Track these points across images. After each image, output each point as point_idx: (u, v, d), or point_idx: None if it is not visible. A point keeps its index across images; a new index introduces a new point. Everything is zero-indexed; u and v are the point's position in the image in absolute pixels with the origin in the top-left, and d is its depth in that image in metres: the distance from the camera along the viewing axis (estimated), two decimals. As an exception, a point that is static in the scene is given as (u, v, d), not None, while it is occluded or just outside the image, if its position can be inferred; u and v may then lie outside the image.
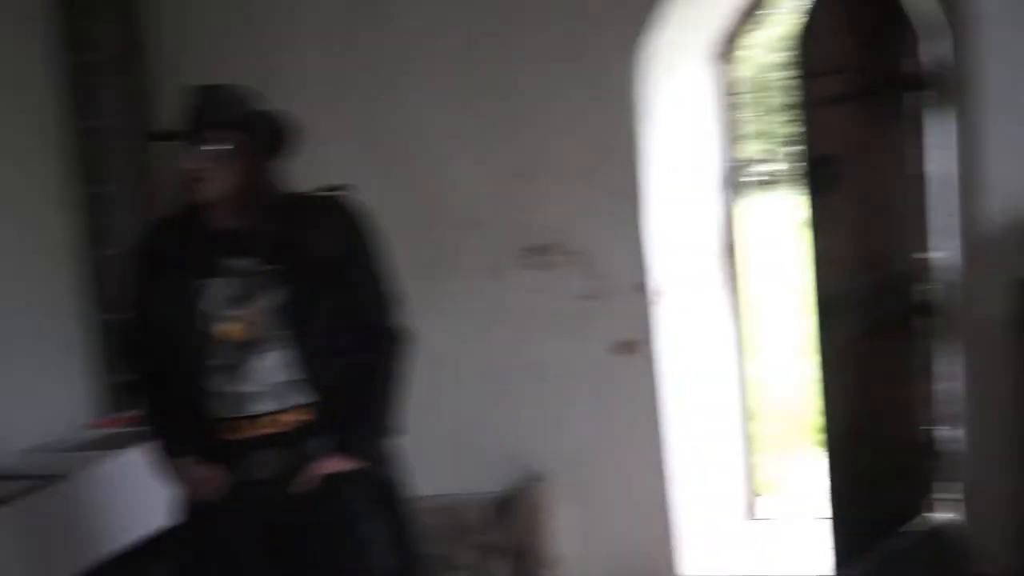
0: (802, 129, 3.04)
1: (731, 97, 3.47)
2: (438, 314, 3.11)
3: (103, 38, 3.51)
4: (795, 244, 3.53)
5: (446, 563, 3.09)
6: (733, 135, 3.49)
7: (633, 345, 3.09)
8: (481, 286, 3.23)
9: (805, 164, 3.04)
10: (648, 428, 3.12)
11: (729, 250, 3.52)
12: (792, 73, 3.04)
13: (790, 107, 3.10)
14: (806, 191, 3.02)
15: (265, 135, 2.02)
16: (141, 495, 2.79)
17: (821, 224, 3.00)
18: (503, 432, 3.25)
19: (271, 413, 2.02)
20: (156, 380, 2.12)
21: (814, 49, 3.04)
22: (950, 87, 2.87)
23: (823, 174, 3.00)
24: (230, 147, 1.96)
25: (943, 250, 3.04)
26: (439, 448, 3.02)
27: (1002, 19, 2.60)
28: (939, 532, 3.18)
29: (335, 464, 2.04)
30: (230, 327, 2.01)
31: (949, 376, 3.08)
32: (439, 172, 3.25)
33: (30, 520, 2.60)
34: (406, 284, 3.01)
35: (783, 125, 3.51)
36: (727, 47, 3.45)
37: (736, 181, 3.49)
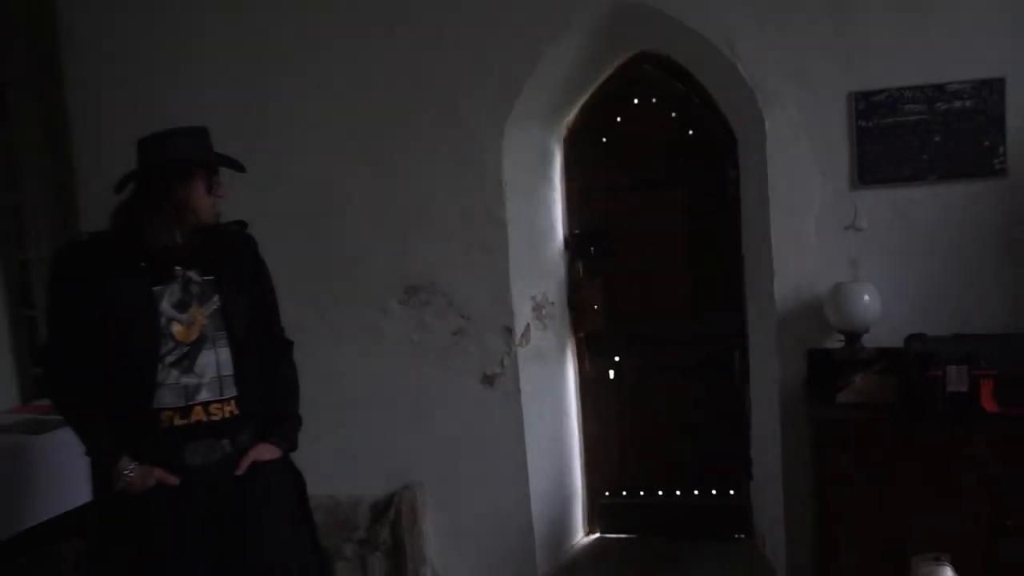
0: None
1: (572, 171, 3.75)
2: (332, 341, 3.47)
3: (16, 60, 3.69)
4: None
5: (332, 555, 3.38)
6: (574, 204, 3.77)
7: (497, 377, 3.37)
8: (368, 319, 3.47)
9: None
10: (510, 447, 3.36)
11: (570, 300, 3.78)
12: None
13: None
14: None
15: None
16: (57, 476, 2.97)
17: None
18: (384, 444, 3.50)
19: (209, 403, 2.25)
20: (85, 388, 2.26)
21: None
22: (751, 188, 3.30)
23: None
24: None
25: (752, 319, 3.48)
26: (329, 455, 3.28)
27: (784, 139, 2.97)
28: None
29: (264, 451, 2.32)
30: (182, 327, 2.24)
31: (759, 425, 3.50)
32: (334, 221, 3.48)
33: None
34: (304, 314, 3.33)
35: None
36: (570, 133, 3.74)
37: (575, 242, 3.77)
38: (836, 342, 2.95)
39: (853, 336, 2.88)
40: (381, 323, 3.49)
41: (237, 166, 2.37)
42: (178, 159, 2.27)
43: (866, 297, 2.84)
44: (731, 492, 3.76)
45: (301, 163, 3.50)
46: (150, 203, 2.27)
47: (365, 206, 3.46)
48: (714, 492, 3.78)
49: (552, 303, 3.68)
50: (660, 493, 3.85)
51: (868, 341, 2.87)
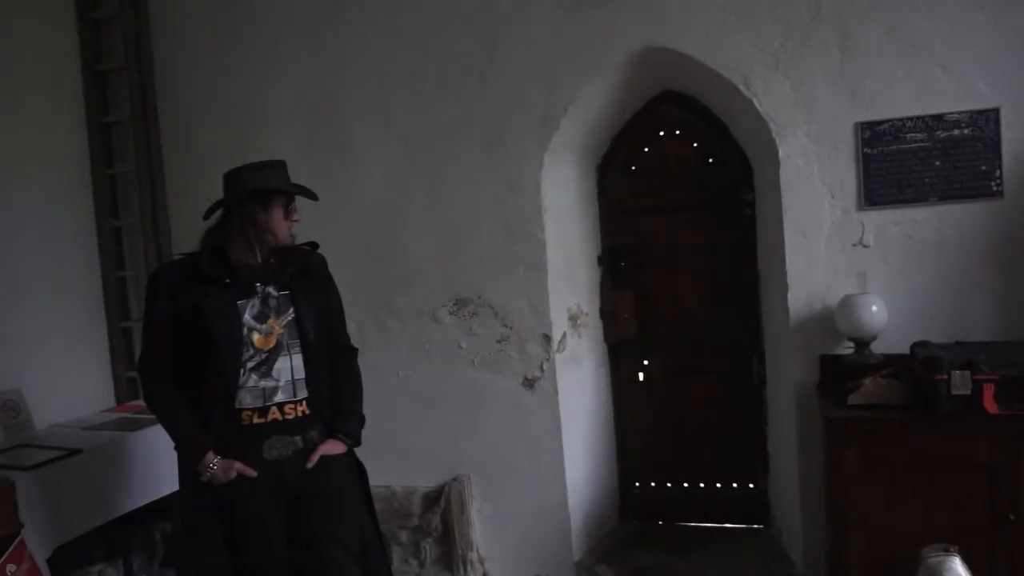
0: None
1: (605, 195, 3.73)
2: (389, 347, 3.49)
3: (121, 102, 3.82)
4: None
5: (389, 540, 3.39)
6: (606, 224, 3.75)
7: (536, 380, 3.34)
8: (421, 327, 3.48)
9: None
10: (548, 443, 3.34)
11: (603, 310, 3.75)
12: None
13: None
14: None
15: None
16: (147, 468, 3.04)
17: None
18: (435, 440, 3.49)
19: (284, 403, 2.29)
20: (175, 390, 2.29)
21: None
22: (766, 210, 3.28)
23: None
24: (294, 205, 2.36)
25: (768, 328, 3.44)
26: (385, 450, 3.25)
27: (796, 165, 2.94)
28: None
29: (332, 447, 2.35)
30: (261, 336, 2.28)
31: (775, 424, 3.44)
32: (392, 240, 3.50)
33: (54, 484, 2.75)
34: (365, 323, 3.35)
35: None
36: (603, 161, 3.73)
37: (607, 258, 3.74)
38: (846, 348, 2.90)
39: (862, 343, 2.82)
40: (433, 331, 3.49)
41: (310, 195, 2.39)
42: (259, 188, 2.29)
43: (874, 307, 2.78)
44: (750, 485, 3.69)
45: (364, 191, 3.53)
46: (234, 227, 2.30)
47: (419, 227, 3.47)
48: (734, 485, 3.72)
49: (586, 313, 3.66)
50: (685, 485, 3.80)
51: (875, 348, 2.82)
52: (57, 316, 3.55)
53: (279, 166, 2.36)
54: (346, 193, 3.51)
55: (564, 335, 3.44)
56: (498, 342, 3.41)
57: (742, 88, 3.00)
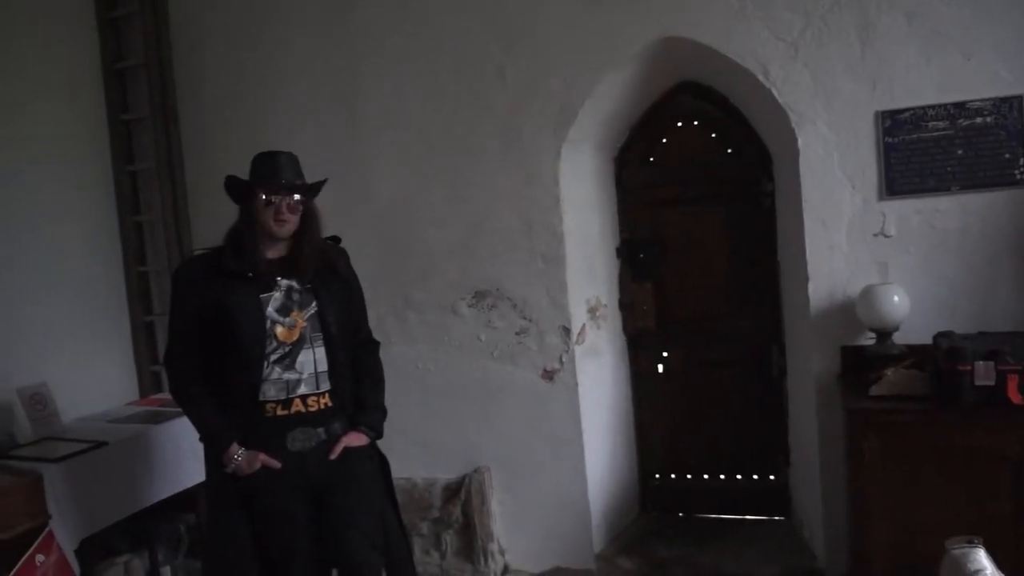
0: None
1: (623, 186, 3.73)
2: (408, 340, 3.50)
3: (140, 100, 3.84)
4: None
5: (410, 531, 3.33)
6: (625, 216, 3.75)
7: (556, 372, 3.34)
8: (440, 320, 3.49)
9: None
10: (568, 435, 3.34)
11: (622, 302, 3.77)
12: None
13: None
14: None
15: (314, 192, 2.38)
16: (172, 461, 3.07)
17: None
18: (455, 432, 3.51)
19: (307, 396, 2.31)
20: (200, 383, 2.32)
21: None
22: (785, 200, 3.27)
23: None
24: (300, 200, 2.32)
25: (788, 318, 3.43)
26: (405, 441, 3.29)
27: (816, 155, 2.93)
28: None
29: (354, 439, 2.37)
30: (284, 329, 2.30)
31: (796, 415, 3.42)
32: (411, 234, 3.51)
33: (81, 476, 2.77)
34: (385, 316, 3.37)
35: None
36: (621, 153, 3.73)
37: (626, 250, 3.75)
38: (867, 339, 2.89)
39: (884, 334, 2.80)
40: (452, 324, 3.50)
41: (291, 188, 2.32)
42: (236, 185, 2.33)
43: (896, 298, 2.76)
44: (770, 477, 3.68)
45: (382, 185, 3.55)
46: (244, 223, 2.34)
47: (438, 220, 3.48)
48: (755, 476, 3.72)
49: (605, 305, 3.66)
50: (705, 476, 3.80)
51: (897, 338, 2.80)
52: (81, 311, 3.60)
53: (274, 158, 2.34)
54: (365, 187, 3.54)
55: (583, 327, 3.44)
56: (517, 334, 3.42)
57: (761, 78, 2.98)
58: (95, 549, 2.95)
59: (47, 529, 2.54)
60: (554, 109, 3.26)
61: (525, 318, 3.40)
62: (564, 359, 3.36)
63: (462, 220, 3.44)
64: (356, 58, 3.53)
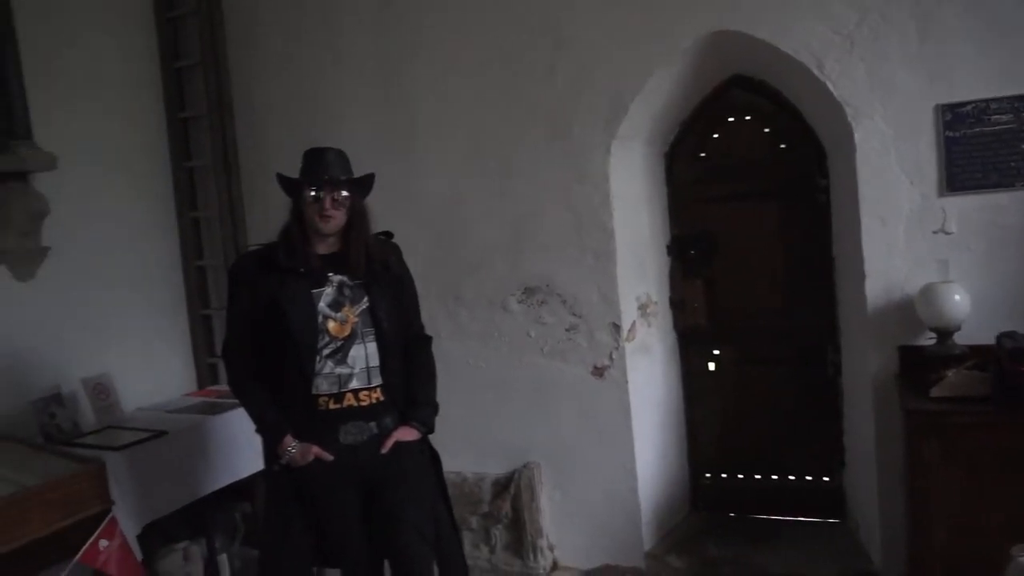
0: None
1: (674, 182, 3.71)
2: (458, 335, 3.53)
3: (197, 98, 3.94)
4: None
5: (460, 525, 3.34)
6: (675, 212, 3.72)
7: (606, 369, 3.34)
8: (490, 316, 3.51)
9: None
10: (618, 432, 3.32)
11: (672, 299, 3.74)
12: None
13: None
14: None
15: (363, 189, 2.40)
16: (228, 451, 3.15)
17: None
18: (504, 427, 3.52)
19: (359, 390, 2.34)
20: (256, 376, 2.37)
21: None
22: (841, 196, 3.22)
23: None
24: (347, 195, 2.34)
25: (844, 317, 3.37)
26: (455, 436, 3.21)
27: (873, 150, 2.87)
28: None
29: (405, 433, 2.39)
30: (336, 324, 2.34)
31: (852, 416, 3.37)
32: (461, 230, 3.54)
33: (142, 464, 2.88)
34: (435, 312, 3.40)
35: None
36: (672, 148, 3.69)
37: (676, 247, 3.72)
38: (927, 339, 2.82)
39: (944, 333, 2.74)
40: (502, 320, 3.52)
41: (318, 181, 2.34)
42: (287, 181, 2.38)
43: (956, 297, 2.70)
44: (825, 478, 3.62)
45: (432, 181, 3.58)
46: (295, 219, 2.38)
47: (488, 216, 3.50)
48: (809, 477, 3.66)
49: (655, 302, 3.64)
50: (757, 476, 3.76)
51: (959, 338, 2.74)
52: (141, 304, 3.71)
53: (320, 154, 2.37)
54: (416, 183, 3.57)
55: (633, 324, 3.43)
56: (567, 331, 3.42)
57: (816, 71, 2.93)
58: (156, 536, 3.04)
59: (110, 515, 2.60)
60: (604, 105, 3.25)
61: (575, 315, 3.40)
62: (614, 356, 3.35)
63: (512, 216, 3.45)
64: (408, 54, 3.57)
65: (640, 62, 3.18)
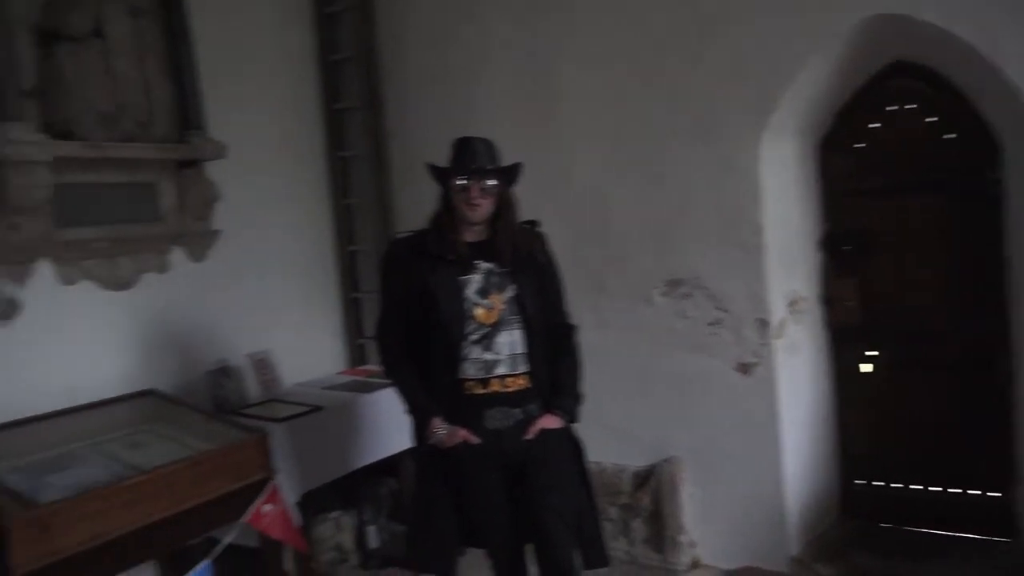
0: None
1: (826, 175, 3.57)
2: (600, 326, 3.50)
3: (351, 90, 4.10)
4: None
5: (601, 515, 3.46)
6: (828, 206, 3.59)
7: (752, 366, 3.26)
8: (633, 308, 3.49)
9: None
10: (764, 431, 3.23)
11: (824, 296, 3.61)
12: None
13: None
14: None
15: (510, 178, 2.43)
16: (377, 429, 3.29)
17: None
18: (645, 420, 3.50)
19: (505, 376, 2.38)
20: (408, 359, 2.44)
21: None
22: (1017, 190, 3.02)
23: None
24: (490, 183, 2.37)
25: (1018, 320, 3.15)
26: (595, 427, 3.20)
27: None
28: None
29: (549, 421, 2.41)
30: (483, 311, 2.39)
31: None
32: (600, 218, 3.53)
33: (301, 436, 3.06)
34: (578, 303, 3.40)
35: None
36: (825, 139, 3.56)
37: (829, 242, 3.58)
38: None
39: None
40: (645, 312, 3.49)
41: (465, 170, 2.38)
42: (437, 170, 2.42)
43: None
44: (992, 493, 3.37)
45: (579, 170, 3.59)
46: (443, 208, 2.44)
47: (632, 208, 3.48)
48: (973, 491, 3.42)
49: (805, 299, 3.52)
50: (915, 487, 3.54)
51: None
52: (299, 285, 3.91)
53: (467, 144, 2.41)
54: (561, 174, 3.58)
55: (782, 321, 3.33)
56: (711, 325, 3.35)
57: (989, 55, 2.73)
58: (311, 504, 3.20)
59: (272, 482, 2.78)
60: (754, 95, 3.16)
61: (721, 309, 3.33)
62: (761, 353, 3.26)
63: (657, 208, 3.42)
64: (555, 45, 3.59)
65: (792, 50, 3.07)
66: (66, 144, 2.85)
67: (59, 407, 2.77)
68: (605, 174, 3.52)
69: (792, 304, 3.42)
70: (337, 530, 3.36)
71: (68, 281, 2.98)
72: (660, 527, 3.42)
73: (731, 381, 3.33)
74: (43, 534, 2.16)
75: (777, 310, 3.30)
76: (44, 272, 2.91)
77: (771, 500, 3.29)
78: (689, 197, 3.35)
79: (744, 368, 3.30)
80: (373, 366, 3.94)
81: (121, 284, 3.14)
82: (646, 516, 3.45)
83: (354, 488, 3.41)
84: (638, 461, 3.53)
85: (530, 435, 2.39)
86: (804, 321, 3.50)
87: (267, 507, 2.74)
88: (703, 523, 3.43)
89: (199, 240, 3.42)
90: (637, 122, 3.42)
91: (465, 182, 2.37)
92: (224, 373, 3.34)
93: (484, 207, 2.38)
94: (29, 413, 2.67)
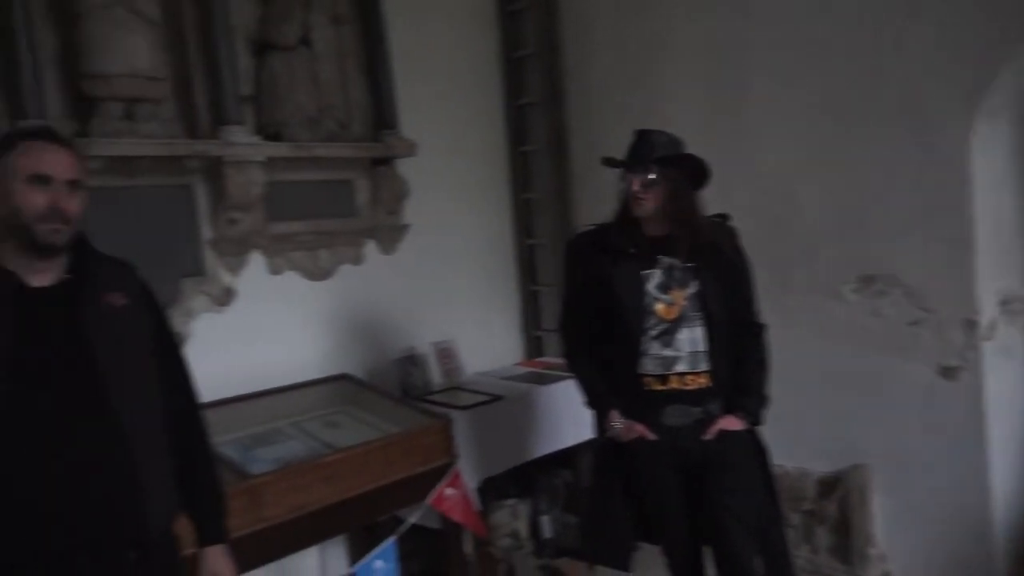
0: None
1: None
2: (783, 324, 3.23)
3: (533, 86, 4.17)
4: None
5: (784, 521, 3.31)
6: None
7: (956, 370, 3.02)
8: (820, 305, 3.32)
9: None
10: (969, 442, 3.01)
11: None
12: None
13: None
14: None
15: (681, 170, 2.33)
16: (553, 420, 3.35)
17: None
18: (832, 423, 3.33)
19: (684, 374, 2.34)
20: (588, 351, 2.46)
21: None
22: None
23: None
24: (655, 177, 2.30)
25: None
26: (778, 429, 3.04)
27: None
28: None
29: (730, 422, 2.36)
30: (664, 306, 2.37)
31: None
32: (792, 213, 3.37)
33: (481, 424, 3.15)
34: (761, 296, 3.29)
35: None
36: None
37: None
38: None
39: None
40: (834, 309, 3.31)
41: (621, 163, 2.37)
42: (612, 163, 2.40)
43: None
44: None
45: (767, 160, 3.45)
46: (624, 201, 2.41)
47: (823, 198, 3.30)
48: None
49: (1021, 297, 3.20)
50: None
51: None
52: (479, 278, 4.05)
53: (640, 136, 2.38)
54: (748, 164, 3.46)
55: (992, 321, 3.05)
56: (910, 325, 3.13)
57: None
58: (489, 491, 3.31)
59: (455, 467, 2.91)
60: (965, 76, 2.90)
61: (921, 308, 3.10)
62: (967, 356, 3.01)
63: (850, 198, 3.23)
64: (743, 31, 3.47)
65: (1011, 27, 2.78)
66: (278, 145, 3.12)
67: (265, 387, 3.03)
68: (793, 162, 3.37)
69: (1005, 303, 3.11)
70: (513, 517, 3.45)
71: (276, 271, 3.25)
72: (847, 537, 3.25)
73: (931, 385, 3.10)
74: (255, 502, 2.39)
75: (987, 309, 3.02)
76: (256, 263, 3.19)
77: (975, 514, 3.04)
78: (886, 186, 3.13)
79: (947, 372, 3.06)
80: (550, 358, 4.01)
81: (321, 274, 3.39)
82: (831, 524, 3.30)
83: (530, 477, 3.49)
84: (823, 466, 3.37)
85: (709, 435, 2.34)
86: (1019, 322, 3.19)
87: (449, 491, 2.88)
88: (895, 535, 3.23)
89: (390, 234, 3.61)
90: (829, 106, 3.24)
91: (629, 175, 2.34)
92: (411, 360, 3.53)
93: (649, 201, 2.32)
94: (240, 392, 2.94)
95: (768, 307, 3.33)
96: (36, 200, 1.60)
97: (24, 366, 1.57)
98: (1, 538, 1.56)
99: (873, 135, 3.14)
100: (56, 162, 1.64)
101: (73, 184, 1.65)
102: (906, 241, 3.11)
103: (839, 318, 3.30)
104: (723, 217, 2.51)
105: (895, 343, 3.17)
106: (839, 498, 3.27)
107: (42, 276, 1.65)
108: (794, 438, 3.32)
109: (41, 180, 1.61)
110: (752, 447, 2.43)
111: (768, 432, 2.49)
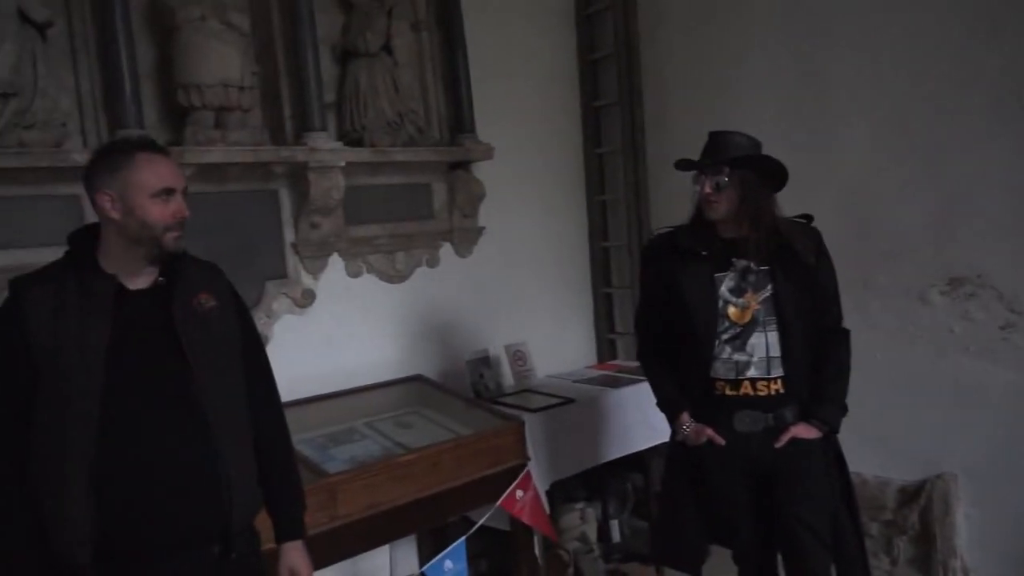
0: None
1: None
2: (865, 327, 3.20)
3: (609, 87, 4.16)
4: None
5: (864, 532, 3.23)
6: None
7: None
8: (905, 308, 3.23)
9: None
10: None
11: None
12: None
13: None
14: None
15: (755, 171, 2.28)
16: (624, 424, 3.33)
17: None
18: (914, 431, 3.24)
19: (756, 379, 2.30)
20: (660, 353, 2.46)
21: None
22: None
23: None
24: (727, 179, 2.26)
25: None
26: (857, 435, 2.98)
27: None
28: None
29: (804, 431, 2.29)
30: (737, 310, 2.33)
31: None
32: (875, 213, 3.29)
33: (553, 426, 3.15)
34: (842, 299, 3.21)
35: None
36: None
37: None
38: None
39: None
40: (919, 313, 3.21)
41: (692, 165, 2.34)
42: (684, 165, 2.38)
43: None
44: None
45: (848, 158, 3.36)
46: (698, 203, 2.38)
47: (908, 198, 3.20)
48: None
49: None
50: None
51: None
52: (554, 280, 4.06)
53: (713, 138, 2.36)
54: (828, 162, 3.38)
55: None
56: (1002, 329, 3.01)
57: None
58: (559, 494, 3.33)
59: (526, 469, 2.93)
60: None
61: (1014, 311, 2.98)
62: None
63: (938, 197, 3.12)
64: (823, 24, 3.39)
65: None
66: (360, 151, 3.20)
67: (341, 387, 3.12)
68: (876, 158, 3.28)
69: (1104, 309, 2.96)
70: (582, 521, 3.46)
71: (354, 274, 3.35)
72: (929, 549, 3.15)
73: (1022, 392, 2.97)
74: (330, 500, 2.47)
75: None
76: (335, 265, 3.29)
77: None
78: (978, 184, 3.01)
79: (1043, 380, 2.92)
80: (623, 361, 4.00)
81: (398, 277, 3.47)
82: (912, 535, 3.20)
83: (600, 481, 3.48)
84: (904, 475, 3.27)
85: (780, 443, 2.29)
86: None
87: (520, 493, 2.91)
88: (981, 549, 3.11)
89: (466, 237, 3.67)
90: (918, 101, 3.14)
91: (699, 177, 2.32)
92: (484, 362, 3.57)
93: (720, 203, 2.28)
94: (317, 392, 3.03)
95: (850, 309, 3.26)
96: (164, 213, 1.71)
97: (120, 364, 1.67)
98: (91, 528, 1.65)
99: (964, 131, 3.04)
100: (173, 174, 1.76)
101: (185, 192, 1.78)
102: (999, 241, 3.00)
103: (925, 321, 3.21)
104: (807, 218, 2.44)
105: (985, 348, 3.06)
106: (921, 508, 3.17)
107: (141, 279, 1.76)
108: (874, 445, 3.26)
109: (167, 193, 1.72)
110: (828, 455, 2.37)
111: (846, 438, 2.43)
